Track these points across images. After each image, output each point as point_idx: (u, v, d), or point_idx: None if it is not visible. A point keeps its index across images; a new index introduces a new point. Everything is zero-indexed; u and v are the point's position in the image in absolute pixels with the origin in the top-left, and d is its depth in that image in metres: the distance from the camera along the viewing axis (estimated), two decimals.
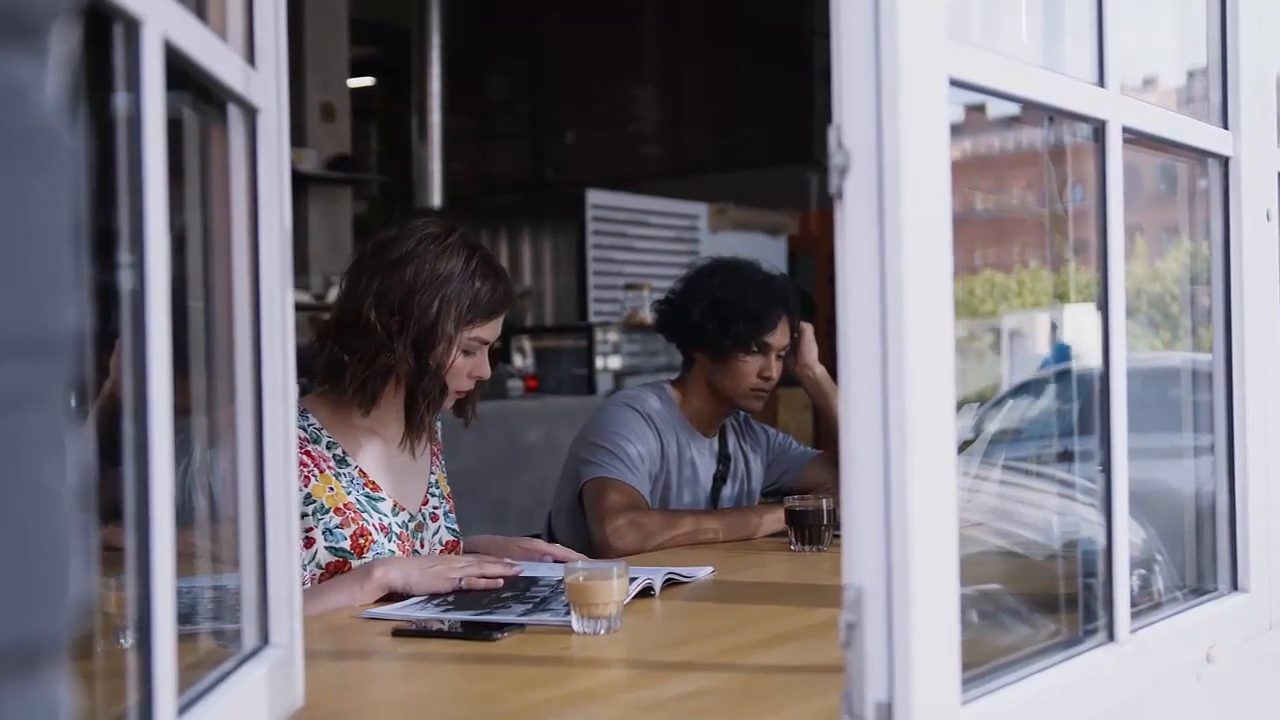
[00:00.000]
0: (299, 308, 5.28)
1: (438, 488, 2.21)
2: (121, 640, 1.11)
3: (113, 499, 0.89)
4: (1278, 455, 1.71)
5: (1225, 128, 1.66)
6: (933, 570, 1.05)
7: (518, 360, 6.83)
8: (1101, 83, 1.38)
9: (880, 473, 1.03)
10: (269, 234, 1.22)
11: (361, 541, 2.01)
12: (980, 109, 1.33)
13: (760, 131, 8.63)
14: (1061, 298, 1.72)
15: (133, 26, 0.87)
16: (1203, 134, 1.62)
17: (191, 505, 1.28)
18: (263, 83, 1.21)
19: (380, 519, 2.05)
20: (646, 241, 7.82)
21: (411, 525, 2.11)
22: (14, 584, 0.50)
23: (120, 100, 0.88)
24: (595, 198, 7.70)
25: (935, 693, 1.05)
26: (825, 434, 3.15)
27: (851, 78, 1.04)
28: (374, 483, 2.08)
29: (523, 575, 2.00)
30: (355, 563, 1.98)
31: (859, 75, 1.04)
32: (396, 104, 9.04)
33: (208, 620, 1.26)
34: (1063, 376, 1.70)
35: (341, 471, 2.05)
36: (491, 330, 2.09)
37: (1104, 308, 1.38)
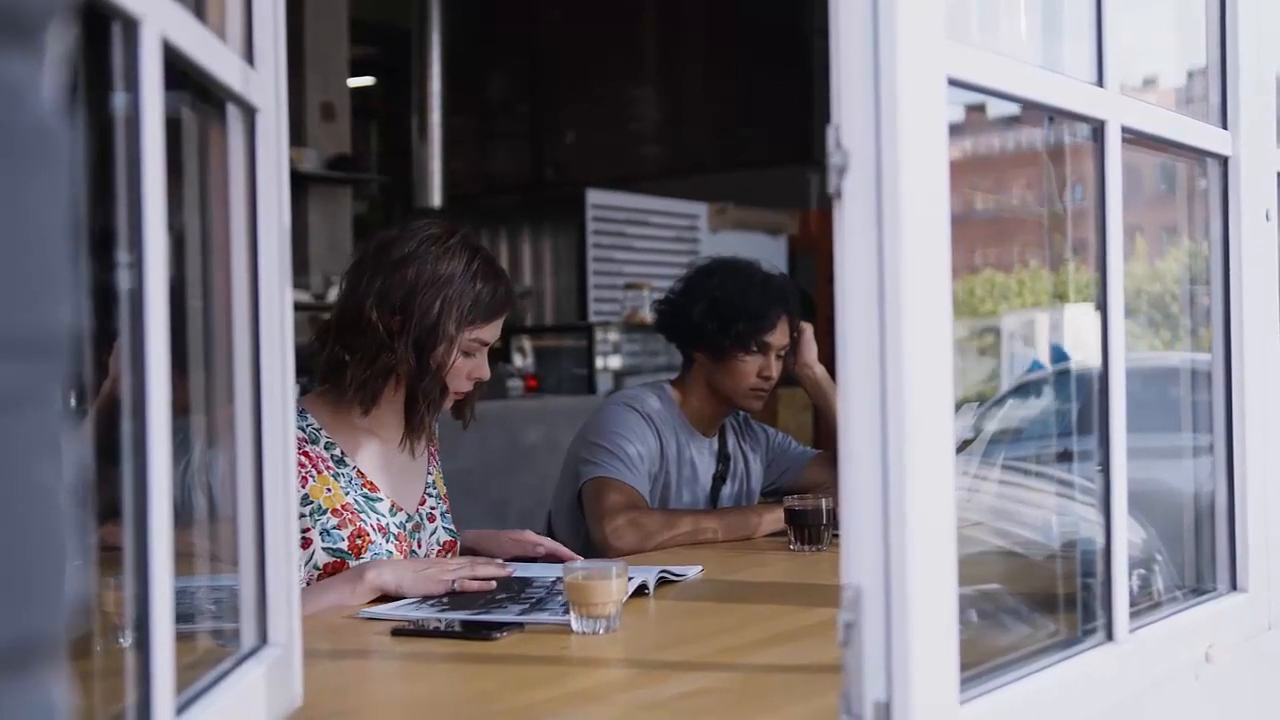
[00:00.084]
0: (299, 307, 5.28)
1: (435, 488, 2.21)
2: (120, 639, 1.11)
3: (112, 498, 0.89)
4: (1277, 455, 1.71)
5: (1224, 128, 1.66)
6: (931, 570, 1.05)
7: (518, 360, 6.83)
8: (1100, 82, 1.38)
9: (879, 472, 1.03)
10: (268, 234, 1.22)
11: (359, 542, 2.01)
12: (980, 109, 1.33)
13: (760, 131, 8.63)
14: (1061, 298, 1.72)
15: (131, 26, 0.87)
16: (1202, 134, 1.62)
17: (191, 505, 1.28)
18: (261, 82, 1.21)
19: (378, 519, 2.06)
20: (646, 241, 7.82)
21: (409, 526, 2.11)
22: (11, 583, 0.50)
23: (119, 100, 0.88)
24: (595, 197, 7.70)
25: (934, 692, 1.05)
26: (825, 434, 3.15)
27: (850, 77, 1.04)
28: (372, 483, 2.08)
29: (516, 576, 2.00)
30: (353, 563, 1.98)
31: (857, 75, 1.04)
32: (396, 104, 9.04)
33: (206, 619, 1.26)
34: (1062, 376, 1.70)
35: (340, 472, 2.05)
36: (492, 332, 2.10)
37: (1103, 307, 1.38)
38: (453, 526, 2.22)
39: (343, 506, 2.02)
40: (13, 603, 0.51)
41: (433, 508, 2.18)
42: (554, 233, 8.07)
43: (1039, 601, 1.51)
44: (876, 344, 1.03)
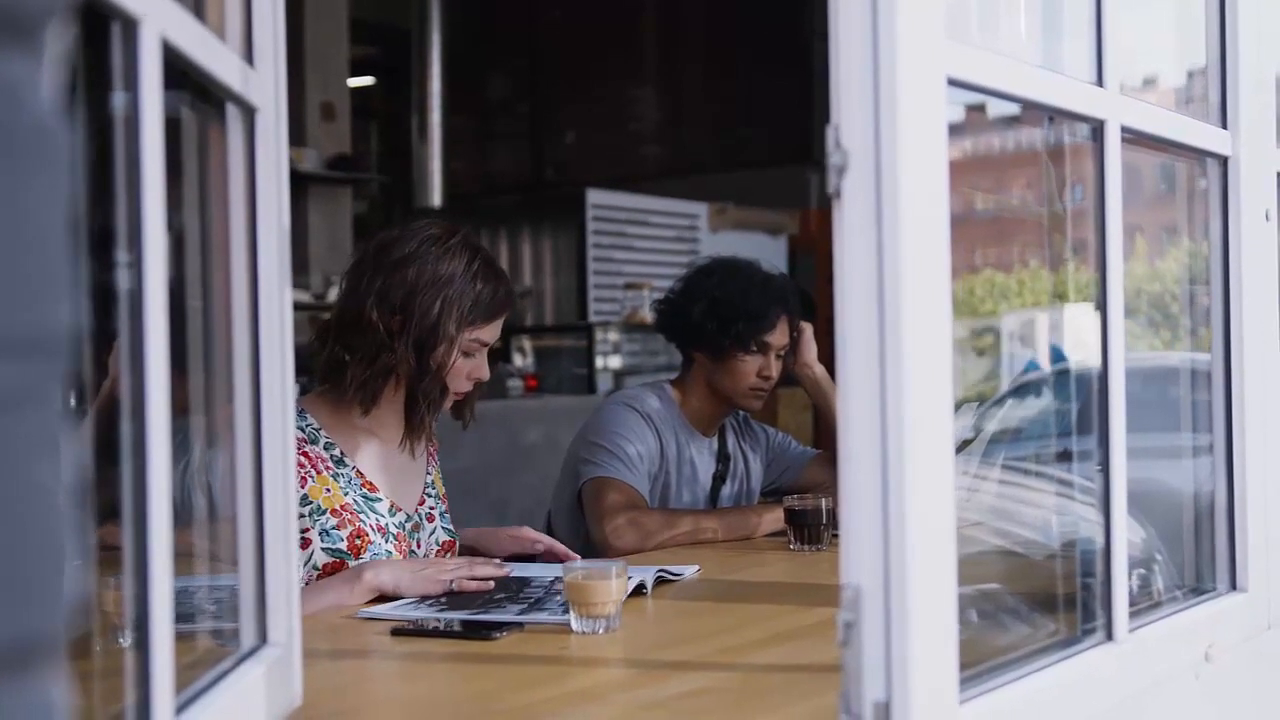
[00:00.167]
0: (299, 307, 5.28)
1: (434, 488, 2.21)
2: (120, 639, 1.11)
3: (112, 498, 0.89)
4: (1276, 455, 1.71)
5: (1224, 127, 1.66)
6: (931, 569, 1.05)
7: (518, 360, 6.83)
8: (1100, 82, 1.38)
9: (878, 472, 1.03)
10: (267, 233, 1.22)
11: (358, 542, 2.01)
12: (980, 109, 1.33)
13: (760, 131, 8.63)
14: (1061, 298, 1.72)
15: (130, 26, 0.87)
16: (1201, 134, 1.62)
17: (190, 504, 1.28)
18: (261, 82, 1.21)
19: (377, 519, 2.06)
20: (646, 241, 7.83)
21: (408, 526, 2.11)
22: (10, 583, 0.50)
23: (118, 99, 0.88)
24: (595, 197, 7.70)
25: (933, 692, 1.05)
26: (825, 433, 3.15)
27: (849, 77, 1.04)
28: (371, 483, 2.08)
29: (514, 576, 2.00)
30: (352, 564, 1.98)
31: (857, 75, 1.04)
32: (396, 104, 9.04)
33: (206, 619, 1.26)
34: (1062, 376, 1.70)
35: (339, 472, 2.05)
36: (491, 332, 2.10)
37: (1102, 307, 1.38)
38: (451, 526, 2.22)
39: (342, 507, 2.02)
40: (12, 603, 0.51)
41: (431, 508, 2.19)
42: (554, 233, 8.07)
43: (1039, 601, 1.51)
44: (876, 344, 1.03)
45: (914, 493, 1.03)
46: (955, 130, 1.12)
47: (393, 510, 2.09)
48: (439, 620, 1.73)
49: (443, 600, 1.86)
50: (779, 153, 8.40)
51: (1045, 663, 1.28)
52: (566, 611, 1.68)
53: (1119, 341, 1.38)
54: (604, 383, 6.82)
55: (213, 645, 1.23)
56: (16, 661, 0.51)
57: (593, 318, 7.39)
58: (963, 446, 1.74)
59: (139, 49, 0.87)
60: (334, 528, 2.00)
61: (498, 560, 2.08)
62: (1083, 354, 1.51)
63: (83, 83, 0.85)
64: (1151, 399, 1.81)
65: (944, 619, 1.07)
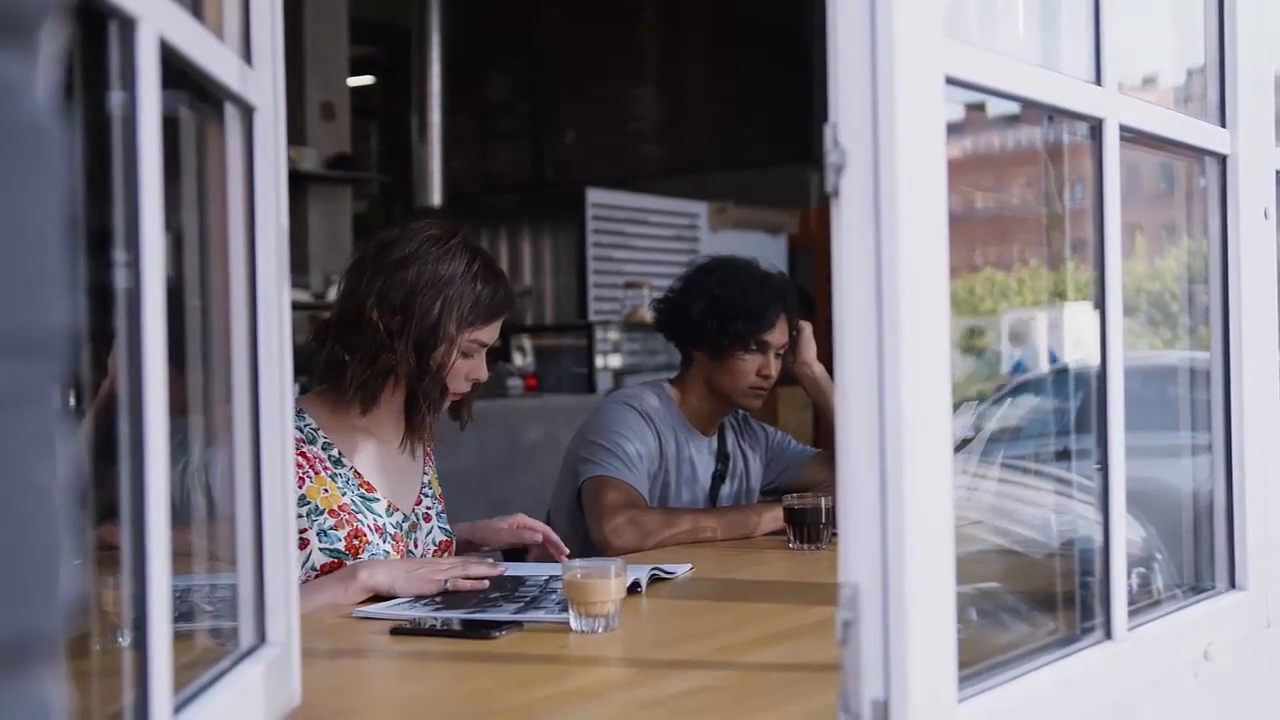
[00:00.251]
0: (298, 307, 5.27)
1: (430, 488, 2.22)
2: (119, 638, 1.11)
3: (111, 497, 0.89)
4: (1276, 453, 1.71)
5: (1223, 126, 1.66)
6: (929, 568, 1.05)
7: (518, 359, 6.83)
8: (1099, 81, 1.38)
9: (877, 470, 1.03)
10: (266, 233, 1.22)
11: (356, 543, 2.02)
12: (980, 107, 1.33)
13: (760, 130, 8.63)
14: (1060, 296, 1.72)
15: (128, 25, 0.87)
16: (1200, 132, 1.62)
17: (189, 504, 1.28)
18: (259, 81, 1.21)
19: (375, 520, 2.06)
20: (646, 240, 7.83)
21: (405, 526, 2.12)
22: (4, 582, 0.50)
23: (116, 99, 0.88)
24: (595, 196, 7.70)
25: (931, 690, 1.05)
26: (824, 432, 3.15)
27: (847, 76, 1.04)
28: (369, 483, 2.08)
29: (508, 575, 2.01)
30: (350, 564, 1.99)
31: (855, 73, 1.04)
32: (396, 103, 9.04)
33: (205, 618, 1.26)
34: (1061, 375, 1.70)
35: (337, 472, 2.05)
36: (490, 333, 2.11)
37: (1101, 306, 1.38)
38: (447, 526, 2.23)
39: (340, 507, 2.02)
40: (8, 602, 0.51)
41: (428, 508, 2.19)
42: (554, 232, 8.07)
43: (1038, 600, 1.51)
44: (874, 342, 1.03)
45: (912, 491, 1.03)
46: (955, 129, 1.12)
47: (390, 510, 2.09)
48: (437, 619, 1.74)
49: (438, 600, 1.86)
50: (779, 152, 8.40)
51: (1044, 661, 1.28)
52: (563, 610, 1.68)
53: (1117, 340, 1.38)
54: (604, 382, 6.82)
55: (211, 644, 1.23)
56: (12, 660, 0.51)
57: (593, 317, 7.39)
58: (962, 445, 1.74)
59: (137, 48, 0.87)
60: (332, 528, 2.00)
61: (491, 560, 2.08)
62: (1082, 352, 1.51)
63: (81, 82, 0.85)
64: (1151, 397, 1.81)
65: (942, 617, 1.07)
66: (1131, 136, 1.44)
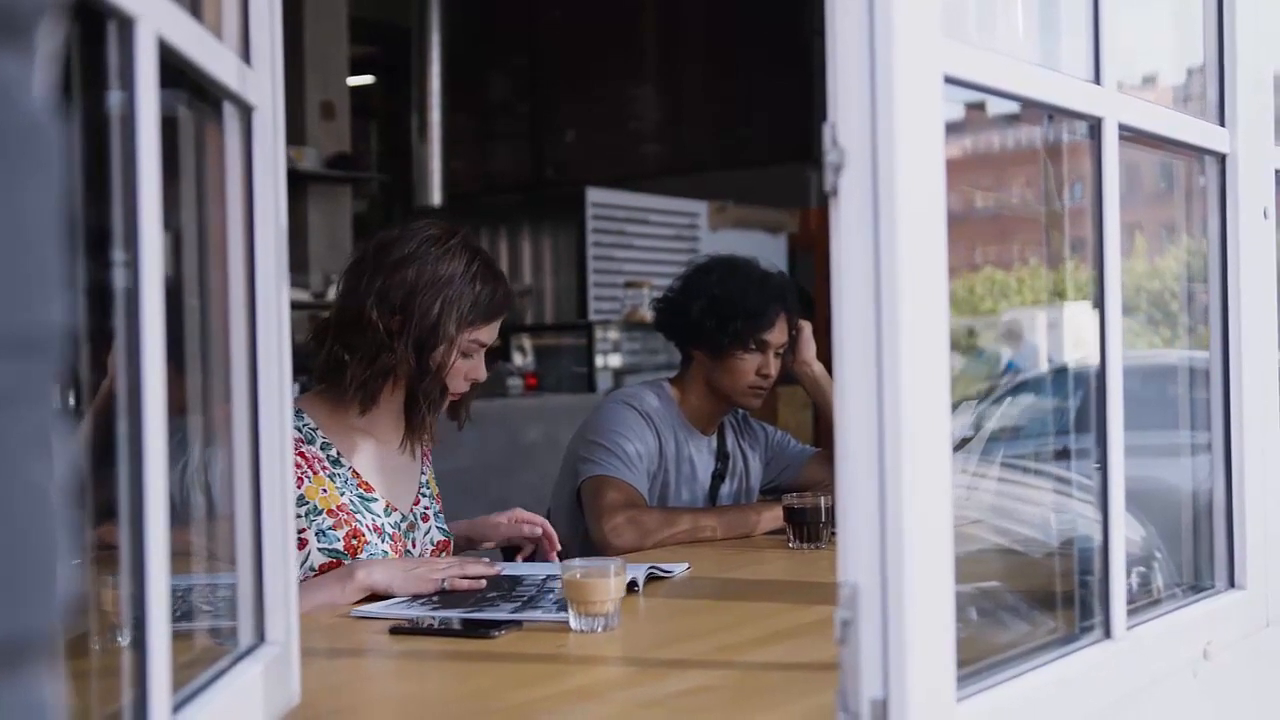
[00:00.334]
0: (298, 306, 5.26)
1: (428, 488, 2.22)
2: (118, 638, 1.11)
3: (110, 497, 0.89)
4: (1275, 453, 1.71)
5: (1222, 125, 1.66)
6: (928, 567, 1.05)
7: (518, 358, 6.83)
8: (1098, 80, 1.38)
9: (876, 469, 1.03)
10: (265, 232, 1.22)
11: (354, 543, 2.02)
12: (980, 107, 1.33)
13: (760, 130, 8.63)
14: (1060, 295, 1.72)
15: (127, 24, 0.87)
16: (1200, 131, 1.62)
17: (189, 503, 1.28)
18: (258, 81, 1.21)
19: (373, 520, 2.06)
20: (646, 239, 7.82)
21: (404, 526, 2.12)
22: (3, 581, 0.50)
23: (114, 98, 0.88)
24: (595, 196, 7.70)
25: (930, 689, 1.05)
26: (824, 432, 3.15)
27: (846, 75, 1.04)
28: (367, 483, 2.08)
29: (505, 575, 2.01)
30: (348, 563, 1.99)
31: (854, 72, 1.04)
32: (396, 103, 9.04)
33: (204, 618, 1.26)
34: (1060, 374, 1.70)
35: (336, 472, 2.05)
36: (490, 333, 2.11)
37: (1100, 305, 1.38)
38: (445, 526, 2.23)
39: (338, 507, 2.02)
40: (7, 601, 0.51)
41: (426, 508, 2.19)
42: (554, 231, 8.07)
43: (1037, 599, 1.51)
44: (873, 341, 1.03)
45: (912, 490, 1.03)
46: (954, 128, 1.12)
47: (388, 510, 2.09)
48: (435, 619, 1.74)
49: (435, 599, 1.86)
50: (779, 151, 8.40)
51: (1043, 660, 1.28)
52: (560, 609, 1.68)
53: (1116, 339, 1.38)
54: (604, 381, 6.82)
55: (210, 644, 1.23)
56: (11, 660, 0.51)
57: (593, 316, 7.39)
58: (961, 444, 1.74)
59: (135, 48, 0.87)
60: (330, 528, 2.00)
61: (488, 559, 2.09)
62: (1081, 352, 1.51)
63: (79, 82, 0.85)
64: (1150, 397, 1.81)
65: (942, 616, 1.07)
66: (1131, 136, 1.44)
